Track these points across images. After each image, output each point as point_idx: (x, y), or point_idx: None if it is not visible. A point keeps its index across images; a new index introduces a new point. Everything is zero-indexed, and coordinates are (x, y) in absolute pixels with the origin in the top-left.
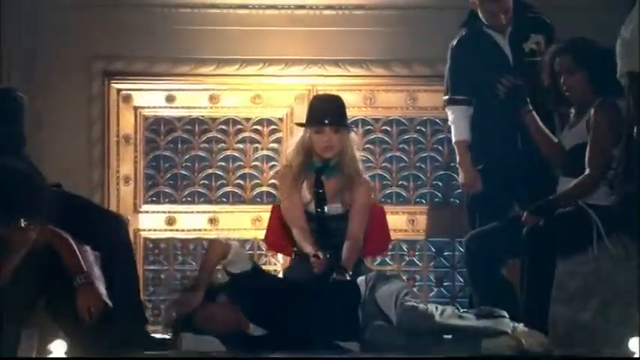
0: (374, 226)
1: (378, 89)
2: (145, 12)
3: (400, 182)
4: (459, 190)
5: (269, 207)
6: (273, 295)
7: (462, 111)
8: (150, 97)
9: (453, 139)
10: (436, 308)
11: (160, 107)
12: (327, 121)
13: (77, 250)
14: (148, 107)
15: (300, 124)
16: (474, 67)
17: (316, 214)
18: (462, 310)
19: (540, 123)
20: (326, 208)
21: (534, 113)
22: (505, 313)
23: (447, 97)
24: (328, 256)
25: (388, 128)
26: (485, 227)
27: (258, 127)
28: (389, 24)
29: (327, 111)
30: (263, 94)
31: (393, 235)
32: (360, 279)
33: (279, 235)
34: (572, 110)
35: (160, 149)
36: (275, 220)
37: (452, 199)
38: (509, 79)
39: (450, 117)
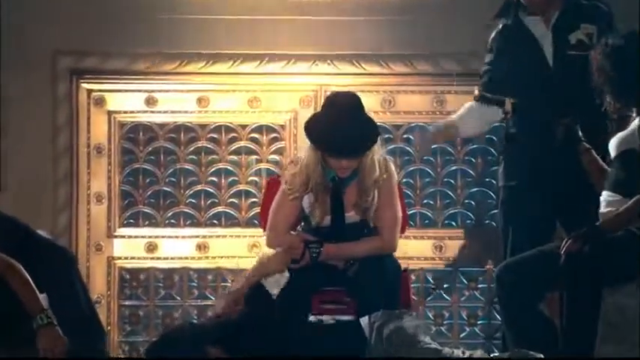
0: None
1: (398, 90)
2: None
3: (425, 201)
4: (496, 211)
5: None
6: (269, 340)
7: (485, 113)
8: (127, 100)
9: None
10: (462, 352)
11: (138, 112)
12: (345, 153)
13: (34, 286)
14: (125, 112)
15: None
16: (508, 65)
17: (333, 229)
18: (492, 355)
19: (598, 159)
20: (345, 217)
21: (593, 151)
22: (541, 356)
23: (477, 92)
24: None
25: (411, 137)
26: (520, 255)
27: (256, 136)
28: (411, 11)
29: (345, 138)
30: (262, 95)
31: (417, 264)
32: (364, 319)
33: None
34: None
35: (139, 162)
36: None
37: (487, 221)
38: (563, 122)
39: (463, 109)
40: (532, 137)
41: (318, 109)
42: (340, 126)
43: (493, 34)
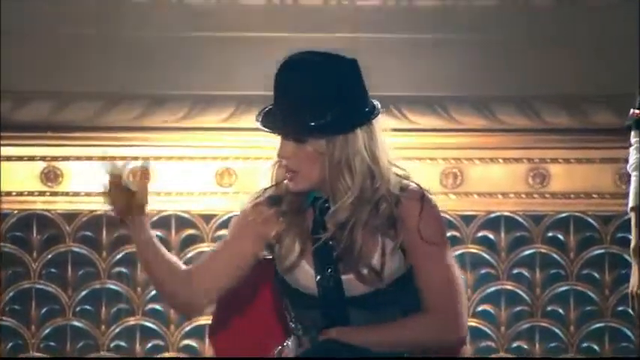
0: None
1: (469, 157)
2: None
3: (515, 344)
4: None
5: None
6: None
7: None
8: (11, 174)
9: (629, 203)
10: None
11: (30, 194)
12: (273, 124)
13: None
14: (8, 194)
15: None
16: None
17: (321, 294)
18: None
19: None
20: (343, 282)
21: None
22: None
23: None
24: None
25: (490, 236)
26: None
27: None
28: (488, 29)
29: (279, 98)
30: (238, 166)
31: None
32: None
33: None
34: None
35: (32, 278)
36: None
37: None
38: None
39: (633, 156)
40: None
41: None
42: (281, 75)
43: None
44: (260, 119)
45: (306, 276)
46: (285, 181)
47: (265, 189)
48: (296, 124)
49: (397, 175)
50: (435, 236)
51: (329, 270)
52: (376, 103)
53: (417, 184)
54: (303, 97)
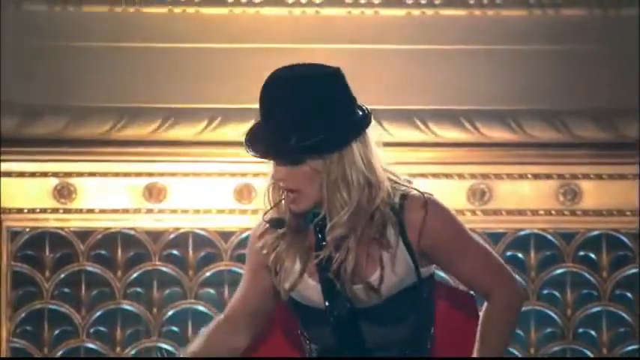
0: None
1: (496, 173)
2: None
3: None
4: None
5: None
6: None
7: None
8: (23, 190)
9: None
10: None
11: (43, 211)
12: (263, 150)
13: None
14: (20, 211)
15: None
16: None
17: (330, 311)
18: None
19: None
20: (353, 294)
21: None
22: None
23: None
24: None
25: (520, 255)
26: None
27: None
28: (514, 39)
29: (266, 118)
30: (258, 183)
31: None
32: None
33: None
34: None
35: (44, 298)
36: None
37: None
38: None
39: None
40: None
41: None
42: (264, 97)
43: None
44: (249, 144)
45: (314, 291)
46: (283, 202)
47: (266, 212)
48: (286, 148)
49: (396, 182)
50: (452, 233)
51: (337, 286)
52: (365, 107)
53: (418, 191)
54: (290, 117)
